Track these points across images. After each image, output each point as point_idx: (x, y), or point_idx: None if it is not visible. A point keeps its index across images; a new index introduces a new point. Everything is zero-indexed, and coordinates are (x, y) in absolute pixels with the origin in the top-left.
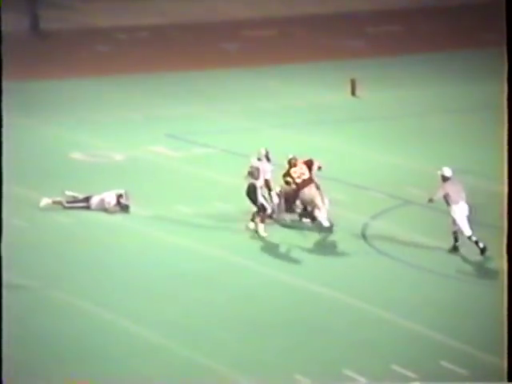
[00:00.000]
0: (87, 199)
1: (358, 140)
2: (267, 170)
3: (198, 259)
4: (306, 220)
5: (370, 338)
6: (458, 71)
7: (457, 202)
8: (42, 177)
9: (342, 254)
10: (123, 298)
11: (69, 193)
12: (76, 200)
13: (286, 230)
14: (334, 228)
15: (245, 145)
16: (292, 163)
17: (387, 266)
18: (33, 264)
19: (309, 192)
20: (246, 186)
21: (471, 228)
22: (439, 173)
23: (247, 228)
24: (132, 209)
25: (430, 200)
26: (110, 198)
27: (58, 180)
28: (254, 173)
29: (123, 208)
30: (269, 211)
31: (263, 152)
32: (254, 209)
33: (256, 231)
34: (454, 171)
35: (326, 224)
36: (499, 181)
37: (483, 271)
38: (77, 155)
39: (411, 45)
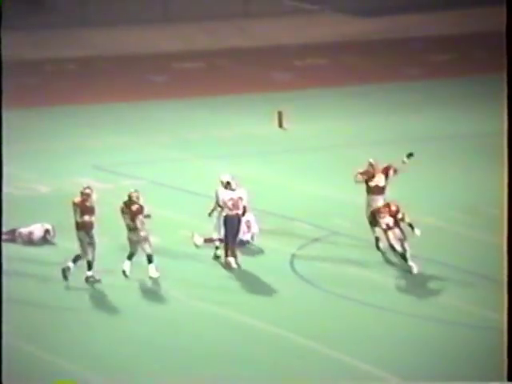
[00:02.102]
0: (13, 232)
1: (285, 171)
2: (244, 197)
3: (125, 291)
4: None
5: (296, 369)
6: (381, 103)
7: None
8: None
9: (270, 284)
10: (50, 332)
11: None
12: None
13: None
14: (263, 258)
15: (173, 176)
16: (372, 165)
17: (315, 296)
18: None
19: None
20: (225, 218)
21: None
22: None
23: (227, 264)
24: (58, 241)
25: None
26: (38, 231)
27: None
28: (237, 203)
29: (49, 243)
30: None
31: (232, 180)
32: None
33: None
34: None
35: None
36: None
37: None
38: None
39: (337, 77)
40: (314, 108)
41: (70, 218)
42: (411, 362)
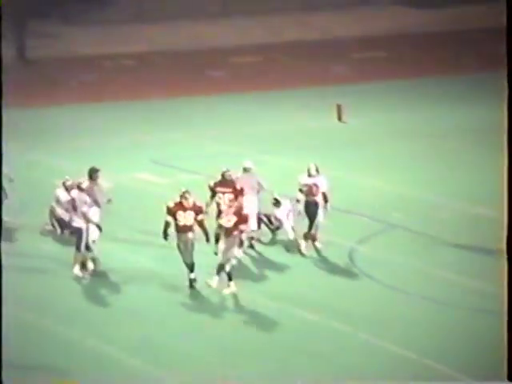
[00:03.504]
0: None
1: (343, 165)
2: (321, 185)
3: (178, 286)
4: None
5: (356, 362)
6: (441, 96)
7: (245, 194)
8: (27, 204)
9: (329, 277)
10: (102, 320)
11: (48, 227)
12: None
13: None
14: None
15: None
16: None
17: (374, 290)
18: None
19: None
20: (305, 204)
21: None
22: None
23: (306, 248)
24: (118, 235)
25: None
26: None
27: (43, 208)
28: (311, 189)
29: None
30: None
31: (313, 167)
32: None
33: (316, 249)
34: (441, 195)
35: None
36: (493, 205)
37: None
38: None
39: (395, 70)
40: (372, 101)
41: (130, 212)
42: (480, 361)
